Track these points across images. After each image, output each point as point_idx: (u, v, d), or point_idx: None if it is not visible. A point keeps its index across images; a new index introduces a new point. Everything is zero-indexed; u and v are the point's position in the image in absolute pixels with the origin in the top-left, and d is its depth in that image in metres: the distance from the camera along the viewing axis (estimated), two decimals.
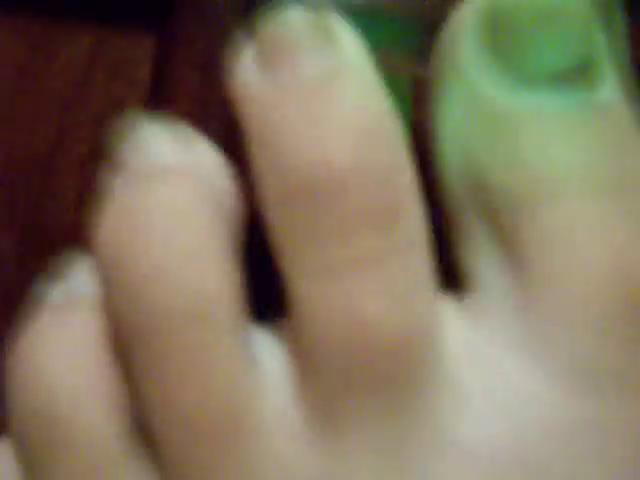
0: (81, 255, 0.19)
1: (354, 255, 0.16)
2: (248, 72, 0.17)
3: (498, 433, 0.16)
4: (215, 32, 0.20)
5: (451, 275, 0.18)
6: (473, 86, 0.17)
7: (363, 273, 0.16)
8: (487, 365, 0.16)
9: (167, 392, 0.16)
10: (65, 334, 0.17)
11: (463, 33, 0.17)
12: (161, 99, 0.21)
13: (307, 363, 0.16)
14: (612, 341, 0.16)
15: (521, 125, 0.16)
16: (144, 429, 0.17)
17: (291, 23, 0.17)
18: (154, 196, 0.17)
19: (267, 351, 0.17)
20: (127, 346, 0.17)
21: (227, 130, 0.19)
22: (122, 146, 0.18)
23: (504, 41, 0.16)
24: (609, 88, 0.17)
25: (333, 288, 0.16)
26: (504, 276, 0.17)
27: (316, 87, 0.16)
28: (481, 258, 0.17)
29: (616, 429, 0.16)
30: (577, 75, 0.16)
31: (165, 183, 0.17)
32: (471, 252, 0.17)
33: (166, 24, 0.21)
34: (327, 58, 0.16)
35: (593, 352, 0.16)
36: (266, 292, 0.17)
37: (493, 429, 0.16)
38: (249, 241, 0.18)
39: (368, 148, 0.16)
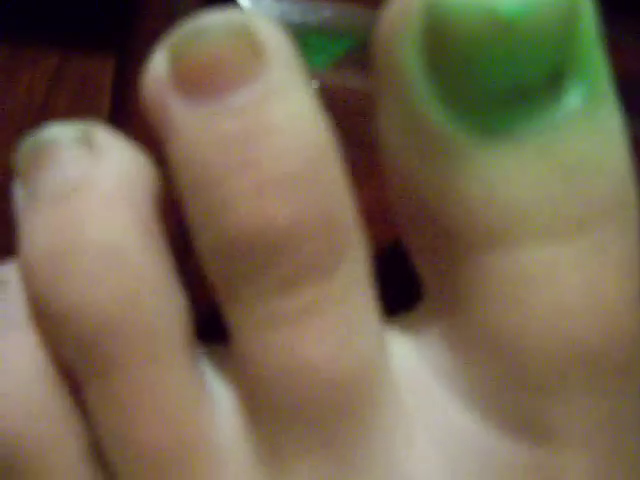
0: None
1: (295, 306, 0.15)
2: (166, 95, 0.15)
3: (436, 469, 0.16)
4: None
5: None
6: (416, 108, 0.15)
7: (304, 321, 0.15)
8: (428, 399, 0.16)
9: (119, 426, 0.16)
10: (7, 365, 0.16)
11: (401, 45, 0.14)
12: (121, 123, 0.21)
13: (253, 399, 0.16)
14: (549, 397, 0.15)
15: (471, 157, 0.14)
16: (99, 454, 0.17)
17: (212, 35, 0.14)
18: (67, 218, 0.16)
19: (217, 382, 0.17)
20: (78, 382, 0.16)
21: None
22: (25, 154, 0.17)
23: (450, 57, 0.14)
24: (575, 103, 0.14)
25: (275, 336, 0.15)
26: (448, 309, 0.16)
27: (244, 124, 0.14)
28: (430, 281, 0.17)
29: (549, 476, 0.15)
30: (542, 91, 0.14)
31: (75, 202, 0.16)
32: (423, 271, 0.17)
33: (125, 48, 0.21)
34: (255, 82, 0.15)
35: (529, 407, 0.15)
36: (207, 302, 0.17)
37: (432, 466, 0.16)
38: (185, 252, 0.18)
39: (304, 196, 0.15)
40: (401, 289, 0.18)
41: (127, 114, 0.21)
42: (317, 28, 0.20)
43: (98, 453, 0.17)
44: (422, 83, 0.14)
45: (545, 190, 0.14)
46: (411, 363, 0.17)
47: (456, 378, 0.16)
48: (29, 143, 0.17)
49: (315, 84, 0.19)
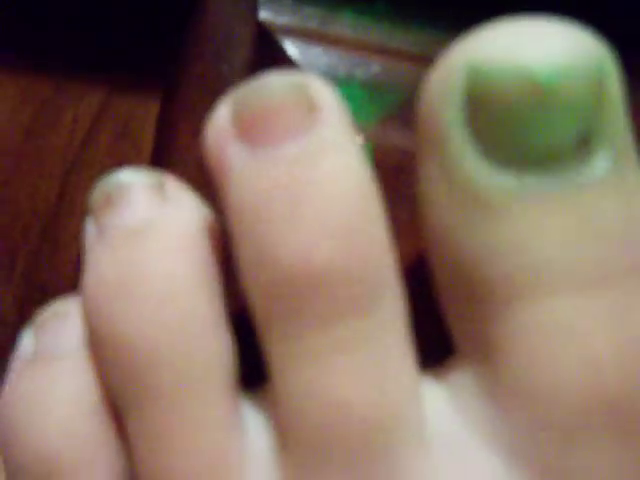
0: (57, 303, 0.19)
1: (332, 342, 0.16)
2: (225, 142, 0.16)
3: None
4: (218, 101, 0.21)
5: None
6: (458, 165, 0.15)
7: (339, 358, 0.16)
8: (459, 447, 0.16)
9: (153, 453, 0.17)
10: (50, 393, 0.17)
11: (445, 98, 0.15)
12: (164, 163, 0.21)
13: (286, 436, 0.17)
14: (584, 449, 0.16)
15: (505, 211, 0.15)
16: None
17: (272, 94, 0.16)
18: (134, 255, 0.17)
19: (253, 420, 0.17)
20: (121, 412, 0.17)
21: None
22: (98, 196, 0.18)
23: (490, 117, 0.15)
24: (601, 165, 0.15)
25: (310, 371, 0.16)
26: (481, 362, 0.17)
27: (296, 172, 0.16)
28: (462, 334, 0.17)
29: None
30: (573, 151, 0.15)
31: (141, 241, 0.17)
32: (454, 322, 0.17)
33: (171, 90, 0.21)
34: (307, 136, 0.16)
35: (554, 451, 0.16)
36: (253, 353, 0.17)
37: None
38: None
39: (348, 241, 0.16)
40: (429, 344, 0.18)
41: (169, 155, 0.21)
42: (364, 82, 0.20)
43: None
44: (462, 142, 0.15)
45: (574, 246, 0.15)
46: (443, 411, 0.17)
47: (489, 428, 0.16)
48: (104, 183, 0.18)
49: (360, 139, 0.19)
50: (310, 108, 0.16)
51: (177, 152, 0.21)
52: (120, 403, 0.17)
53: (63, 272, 0.23)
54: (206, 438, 0.16)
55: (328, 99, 0.16)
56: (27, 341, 0.19)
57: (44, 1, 0.22)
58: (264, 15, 0.21)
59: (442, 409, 0.17)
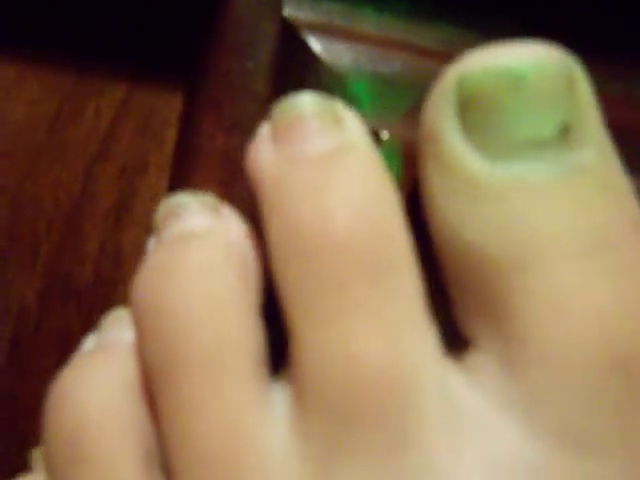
0: (119, 309, 0.21)
1: (349, 303, 0.17)
2: (263, 149, 0.19)
3: None
4: (242, 97, 0.21)
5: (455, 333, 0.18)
6: (453, 159, 0.17)
7: (355, 317, 0.17)
8: (479, 420, 0.17)
9: (182, 422, 0.18)
10: (98, 374, 0.19)
11: (440, 105, 0.18)
12: (186, 157, 0.21)
13: (304, 397, 0.18)
14: (598, 406, 0.16)
15: (503, 195, 0.17)
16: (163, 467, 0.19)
17: (303, 106, 0.19)
18: (184, 255, 0.19)
19: (278, 391, 0.18)
20: (154, 385, 0.19)
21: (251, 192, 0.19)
22: (159, 214, 0.20)
23: (479, 113, 0.17)
24: (590, 149, 0.17)
25: (330, 331, 0.17)
26: (496, 337, 0.17)
27: (320, 162, 0.18)
28: (475, 318, 0.18)
29: None
30: (557, 140, 0.17)
31: (194, 245, 0.19)
32: (465, 313, 0.18)
33: (195, 85, 0.22)
34: (332, 138, 0.18)
35: (579, 416, 0.16)
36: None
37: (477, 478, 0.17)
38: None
39: (362, 214, 0.18)
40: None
41: (192, 150, 0.21)
42: (387, 77, 0.20)
43: (159, 463, 0.19)
44: (455, 138, 0.17)
45: (572, 216, 0.17)
46: (463, 390, 0.18)
47: (509, 399, 0.17)
48: (165, 204, 0.20)
49: (385, 134, 0.20)
50: (336, 119, 0.19)
51: (200, 147, 0.21)
52: (153, 373, 0.19)
53: (86, 264, 0.23)
54: (231, 405, 0.18)
55: (352, 115, 0.19)
56: (90, 341, 0.21)
57: None
58: (288, 11, 0.21)
59: (460, 387, 0.18)
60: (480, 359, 0.18)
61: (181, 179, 0.21)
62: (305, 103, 0.19)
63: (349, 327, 0.17)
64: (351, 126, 0.19)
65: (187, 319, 0.18)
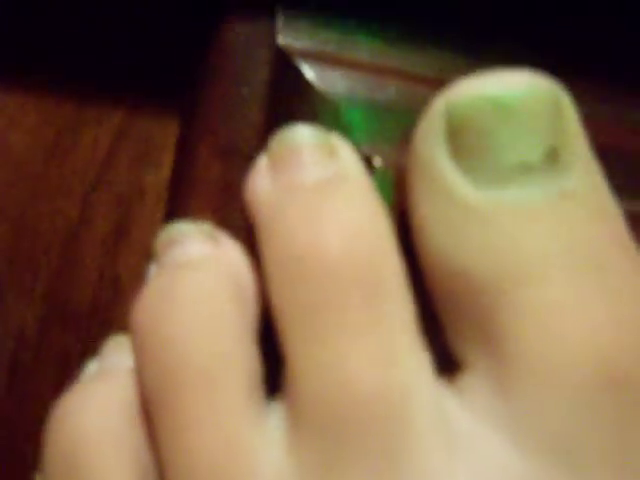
0: (119, 335, 0.21)
1: (343, 327, 0.17)
2: (260, 179, 0.19)
3: None
4: (237, 122, 0.21)
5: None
6: (443, 184, 0.18)
7: (348, 341, 0.17)
8: (472, 441, 0.17)
9: (178, 443, 0.18)
10: (97, 398, 0.20)
11: (430, 132, 0.18)
12: (182, 183, 0.22)
13: (301, 422, 0.18)
14: (590, 424, 0.17)
15: (491, 219, 0.17)
16: None
17: (300, 138, 0.19)
18: (183, 282, 0.19)
19: (273, 413, 0.19)
20: (152, 407, 0.19)
21: (247, 218, 0.20)
22: (159, 241, 0.21)
23: (467, 140, 0.17)
24: (577, 173, 0.17)
25: (324, 355, 0.17)
26: (486, 358, 0.18)
27: (315, 191, 0.19)
28: (465, 340, 0.18)
29: None
30: (544, 165, 0.17)
31: (192, 272, 0.20)
32: (455, 335, 0.18)
33: (191, 111, 0.22)
34: (327, 168, 0.19)
35: (570, 434, 0.17)
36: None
37: None
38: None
39: (355, 239, 0.18)
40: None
41: (189, 176, 0.21)
42: (381, 105, 0.21)
43: None
44: (447, 166, 0.18)
45: (555, 243, 0.17)
46: (453, 412, 0.18)
47: (499, 420, 0.17)
48: (165, 231, 0.21)
49: (378, 161, 0.20)
50: (331, 151, 0.19)
51: (197, 173, 0.22)
52: (151, 396, 0.19)
53: (84, 290, 0.23)
54: (226, 428, 0.18)
55: (346, 146, 0.20)
56: (92, 366, 0.22)
57: (65, 27, 0.23)
58: (282, 39, 0.21)
59: (453, 409, 0.18)
60: (471, 380, 0.18)
61: (178, 205, 0.22)
62: (302, 135, 0.19)
63: (343, 351, 0.17)
64: (345, 156, 0.19)
65: (184, 345, 0.18)
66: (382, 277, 0.18)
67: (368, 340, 0.17)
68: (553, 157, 0.17)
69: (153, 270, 0.21)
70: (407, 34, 0.21)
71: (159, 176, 0.23)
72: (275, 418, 0.18)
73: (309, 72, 0.21)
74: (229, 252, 0.20)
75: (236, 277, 0.20)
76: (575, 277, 0.17)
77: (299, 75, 0.21)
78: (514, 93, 0.17)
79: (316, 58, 0.21)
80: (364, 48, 0.21)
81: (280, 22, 0.21)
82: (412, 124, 0.19)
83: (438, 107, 0.18)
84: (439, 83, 0.20)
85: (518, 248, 0.17)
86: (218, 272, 0.20)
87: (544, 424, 0.17)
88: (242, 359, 0.19)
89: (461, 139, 0.18)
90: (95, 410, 0.20)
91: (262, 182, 0.19)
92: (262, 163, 0.20)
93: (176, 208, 0.22)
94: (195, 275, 0.20)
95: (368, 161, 0.20)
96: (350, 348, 0.17)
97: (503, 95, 0.17)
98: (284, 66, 0.21)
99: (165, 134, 0.23)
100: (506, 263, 0.17)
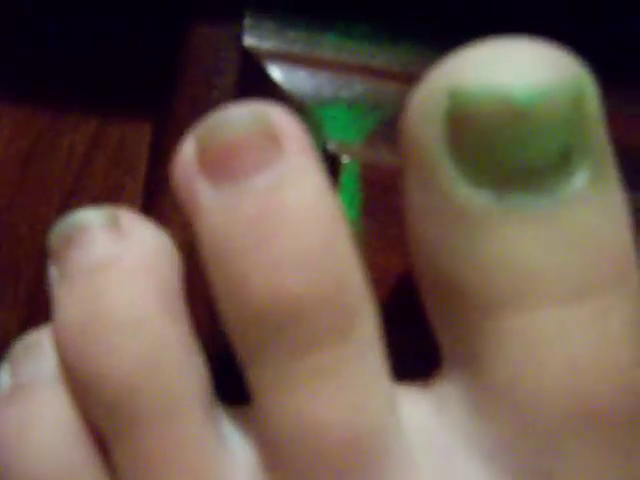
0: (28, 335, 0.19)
1: (308, 369, 0.16)
2: (194, 177, 0.17)
3: None
4: None
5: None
6: (441, 185, 0.16)
7: (316, 383, 0.16)
8: (445, 459, 0.17)
9: (141, 473, 0.17)
10: (28, 418, 0.18)
11: (428, 121, 0.16)
12: (158, 187, 0.22)
13: (269, 457, 0.17)
14: (563, 452, 0.16)
15: (487, 227, 0.16)
16: None
17: (234, 125, 0.16)
18: (95, 293, 0.17)
19: (236, 437, 0.18)
20: (107, 438, 0.17)
21: None
22: (55, 237, 0.19)
23: (472, 136, 0.15)
24: (582, 179, 0.16)
25: (290, 398, 0.16)
26: (466, 371, 0.17)
27: (262, 205, 0.16)
28: (448, 346, 0.18)
29: None
30: (556, 167, 0.15)
31: (104, 282, 0.17)
32: (441, 336, 0.18)
33: (163, 115, 0.22)
34: (272, 168, 0.16)
35: (536, 458, 0.16)
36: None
37: None
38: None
39: (317, 272, 0.16)
40: (418, 355, 0.18)
41: (163, 178, 0.22)
42: (349, 102, 0.21)
43: None
44: (445, 161, 0.16)
45: (554, 258, 0.16)
46: (428, 423, 0.17)
47: (473, 436, 0.17)
48: (61, 225, 0.19)
49: (346, 158, 0.20)
50: (272, 139, 0.16)
51: (169, 175, 0.22)
52: (103, 433, 0.17)
53: None
54: (189, 455, 0.17)
55: (289, 127, 0.17)
56: (4, 376, 0.19)
57: (40, 36, 0.23)
58: (249, 41, 0.21)
59: (427, 423, 0.17)
60: (449, 389, 0.17)
61: (152, 208, 0.22)
62: (235, 123, 0.16)
63: (310, 394, 0.16)
64: (291, 146, 0.16)
65: (123, 384, 0.17)
66: (348, 303, 0.16)
67: (336, 380, 0.16)
68: (565, 161, 0.15)
69: (55, 272, 0.19)
70: (373, 29, 0.21)
71: (135, 180, 0.23)
72: (238, 439, 0.18)
73: (276, 72, 0.21)
74: (138, 241, 0.18)
75: (154, 269, 0.18)
76: (565, 304, 0.16)
77: (266, 76, 0.21)
78: (530, 88, 0.15)
79: (282, 59, 0.21)
80: (330, 46, 0.21)
81: (246, 23, 0.21)
82: (380, 120, 0.19)
83: (438, 91, 0.16)
84: (406, 78, 0.20)
85: (509, 264, 0.16)
86: (132, 272, 0.17)
87: (518, 451, 0.16)
88: (188, 380, 0.17)
89: (464, 134, 0.15)
90: (37, 438, 0.17)
91: (197, 184, 0.17)
92: (190, 156, 0.17)
93: (151, 211, 0.22)
94: (106, 283, 0.17)
95: (336, 159, 0.20)
96: (318, 391, 0.16)
97: (517, 89, 0.15)
98: (251, 68, 0.21)
99: (140, 139, 0.23)
100: (496, 280, 0.16)
